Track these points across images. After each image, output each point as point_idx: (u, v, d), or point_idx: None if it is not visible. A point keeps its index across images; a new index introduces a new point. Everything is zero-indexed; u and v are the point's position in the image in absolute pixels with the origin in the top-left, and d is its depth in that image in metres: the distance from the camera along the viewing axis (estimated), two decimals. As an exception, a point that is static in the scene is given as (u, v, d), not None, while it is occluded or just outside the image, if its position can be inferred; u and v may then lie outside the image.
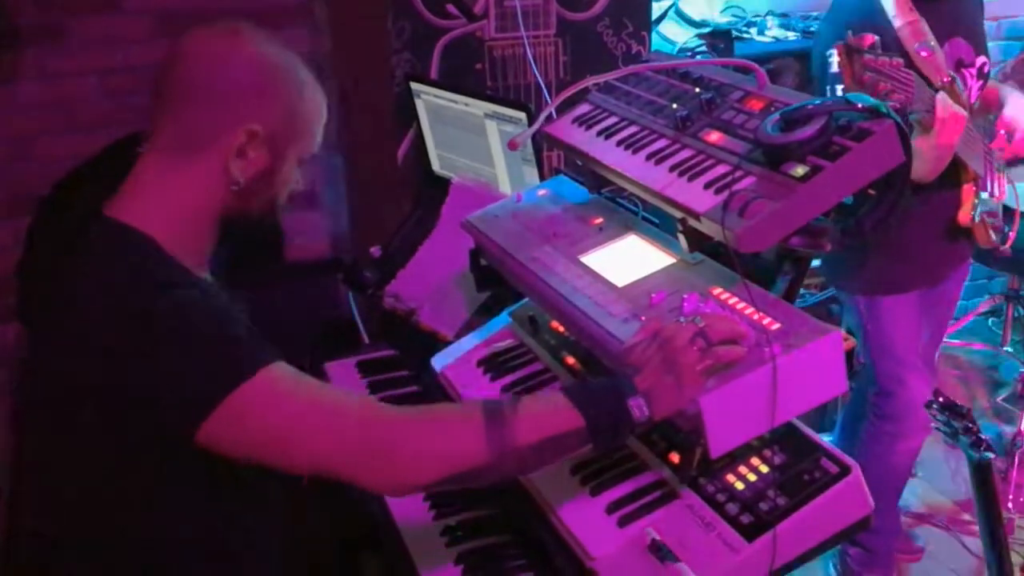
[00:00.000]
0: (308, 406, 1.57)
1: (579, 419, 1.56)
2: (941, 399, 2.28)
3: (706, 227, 1.69)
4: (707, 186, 1.72)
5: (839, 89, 2.66)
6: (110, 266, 1.58)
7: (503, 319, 2.35)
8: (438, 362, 2.31)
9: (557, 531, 1.78)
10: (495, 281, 2.29)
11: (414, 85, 2.98)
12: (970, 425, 2.24)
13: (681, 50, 3.85)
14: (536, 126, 1.88)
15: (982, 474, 2.29)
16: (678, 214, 1.76)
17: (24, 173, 3.28)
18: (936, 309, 3.18)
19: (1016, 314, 4.73)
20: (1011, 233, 3.03)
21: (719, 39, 3.79)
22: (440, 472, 1.58)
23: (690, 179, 1.76)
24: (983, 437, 2.25)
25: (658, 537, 1.64)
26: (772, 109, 1.79)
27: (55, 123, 3.27)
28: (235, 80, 1.64)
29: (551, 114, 2.07)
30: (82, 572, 1.66)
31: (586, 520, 1.73)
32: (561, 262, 1.98)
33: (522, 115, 2.57)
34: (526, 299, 2.31)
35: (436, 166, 3.12)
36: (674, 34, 3.89)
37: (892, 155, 1.64)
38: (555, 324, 2.19)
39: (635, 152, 1.92)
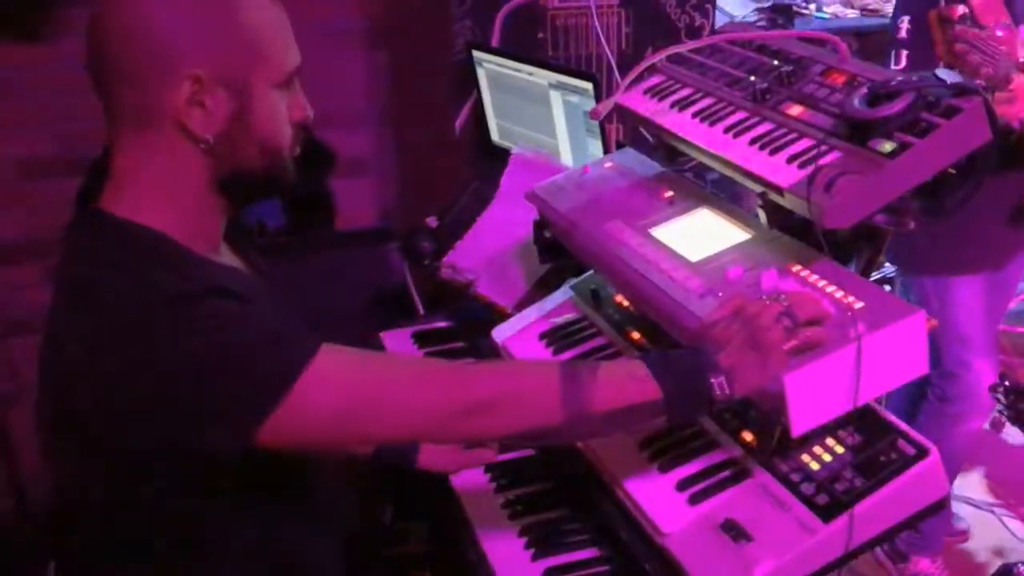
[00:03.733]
0: (388, 374, 1.52)
1: (657, 391, 1.53)
2: (1008, 382, 2.25)
3: (789, 202, 1.66)
4: (790, 160, 1.69)
5: (903, 56, 2.64)
6: (118, 279, 1.42)
7: (564, 292, 2.32)
8: (499, 334, 2.29)
9: (625, 506, 1.76)
10: (558, 253, 2.26)
11: (476, 53, 2.95)
12: (1037, 408, 2.22)
13: (728, 24, 3.81)
14: (619, 94, 1.85)
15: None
16: (758, 188, 1.73)
17: (76, 131, 3.27)
18: (998, 293, 3.14)
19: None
20: None
21: (779, 14, 3.75)
22: (518, 428, 1.55)
23: (772, 152, 1.73)
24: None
25: (732, 515, 1.62)
26: (855, 83, 1.76)
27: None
28: (150, 30, 1.43)
29: (620, 86, 2.04)
30: None
31: (656, 496, 1.71)
32: (631, 235, 1.95)
33: (588, 85, 2.54)
34: (588, 272, 2.29)
35: (495, 136, 3.09)
36: (733, 8, 3.85)
37: (979, 133, 1.61)
38: (619, 298, 2.17)
39: (712, 124, 1.89)
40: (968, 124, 1.59)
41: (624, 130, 3.07)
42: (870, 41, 3.83)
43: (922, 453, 1.60)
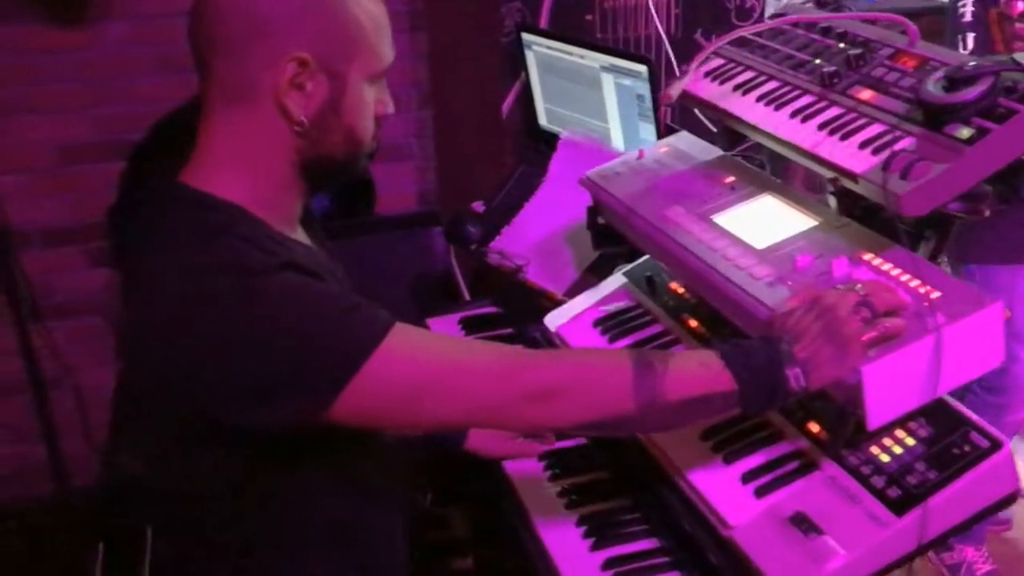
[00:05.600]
0: (457, 355, 1.51)
1: (731, 382, 1.50)
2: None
3: (863, 189, 1.63)
4: (863, 145, 1.65)
5: (970, 38, 2.60)
6: (197, 249, 1.44)
7: (617, 279, 2.29)
8: (552, 321, 2.26)
9: (687, 497, 1.73)
10: (612, 239, 2.24)
11: (525, 36, 2.91)
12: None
13: (788, 6, 3.74)
14: (688, 76, 1.82)
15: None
16: (829, 174, 1.70)
17: (114, 115, 3.30)
18: None
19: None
20: None
21: (830, -5, 3.67)
22: (587, 417, 1.53)
23: (843, 138, 1.70)
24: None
25: (801, 508, 1.59)
26: (927, 67, 1.73)
27: (144, 64, 3.29)
28: (264, 9, 1.46)
29: (676, 69, 2.01)
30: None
31: (721, 488, 1.68)
32: (693, 222, 1.92)
33: (643, 68, 2.50)
34: (642, 258, 2.26)
35: (543, 120, 3.06)
36: (784, -11, 3.79)
37: (1059, 119, 1.57)
38: (674, 285, 2.14)
39: (778, 108, 1.85)
40: (1048, 110, 1.55)
41: (673, 114, 3.03)
42: (920, 23, 3.77)
43: (995, 446, 1.56)
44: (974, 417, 1.62)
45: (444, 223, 2.96)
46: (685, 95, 2.06)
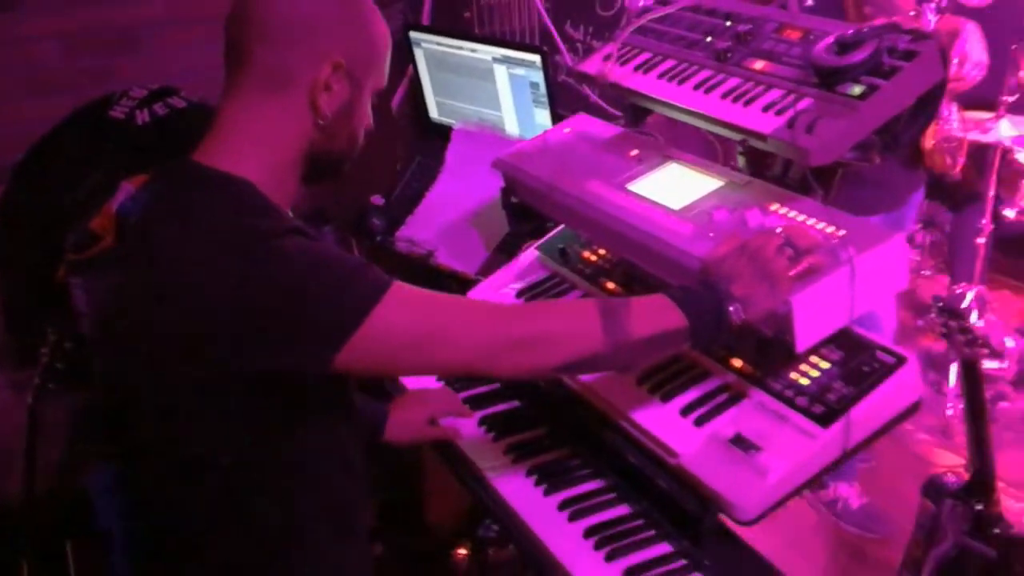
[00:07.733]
0: (450, 309, 1.67)
1: (683, 320, 1.70)
2: (942, 302, 2.45)
3: (772, 146, 1.84)
4: (765, 109, 1.86)
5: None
6: (216, 217, 1.58)
7: (530, 254, 2.47)
8: (476, 296, 2.40)
9: (633, 436, 1.92)
10: (527, 215, 2.41)
11: (413, 34, 3.06)
12: (966, 325, 2.41)
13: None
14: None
15: (972, 373, 2.45)
16: (737, 137, 1.90)
17: None
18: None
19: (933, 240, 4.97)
20: (960, 159, 3.23)
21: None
22: (566, 359, 1.70)
23: (746, 104, 1.91)
24: (978, 336, 2.41)
25: (739, 431, 1.79)
26: (811, 37, 1.95)
27: (15, 88, 3.24)
28: (318, 11, 1.64)
29: (568, 58, 2.19)
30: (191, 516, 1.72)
31: (663, 423, 1.88)
32: (612, 192, 2.10)
33: (536, 58, 2.68)
34: (552, 232, 2.44)
35: (434, 114, 3.22)
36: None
37: (934, 73, 1.82)
38: (587, 253, 2.32)
39: (680, 83, 2.05)
40: (924, 65, 1.79)
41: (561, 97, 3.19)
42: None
43: (900, 361, 1.79)
44: (877, 339, 1.85)
45: (339, 218, 3.06)
46: (587, 78, 2.26)
